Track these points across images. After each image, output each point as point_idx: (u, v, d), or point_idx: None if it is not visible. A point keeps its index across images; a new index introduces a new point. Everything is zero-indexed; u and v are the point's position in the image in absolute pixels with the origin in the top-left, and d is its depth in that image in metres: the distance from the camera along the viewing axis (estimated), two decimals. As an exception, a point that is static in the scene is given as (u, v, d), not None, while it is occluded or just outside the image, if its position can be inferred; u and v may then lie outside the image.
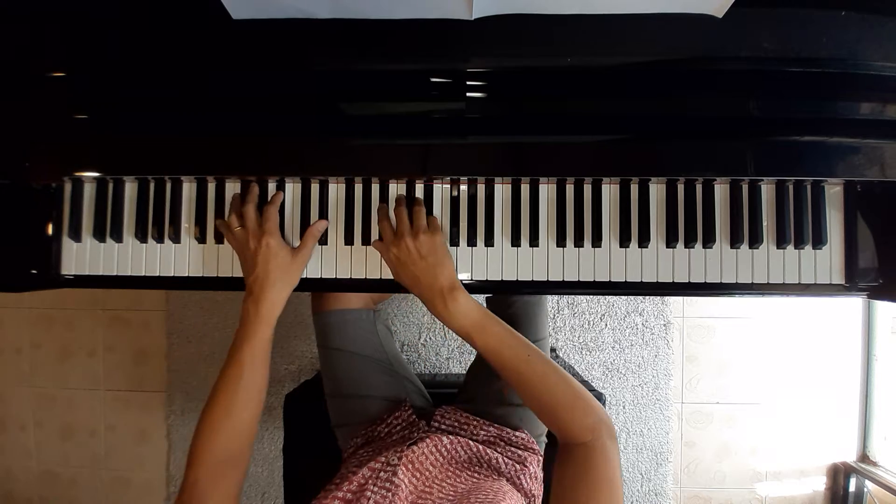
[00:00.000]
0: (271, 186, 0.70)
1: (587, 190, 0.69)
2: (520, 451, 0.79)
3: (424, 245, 0.63)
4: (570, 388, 0.60)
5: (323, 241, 0.70)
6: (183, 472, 0.61)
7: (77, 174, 0.67)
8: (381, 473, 0.64)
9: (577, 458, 0.57)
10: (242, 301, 0.64)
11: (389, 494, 0.60)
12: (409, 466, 0.67)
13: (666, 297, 1.51)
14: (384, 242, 0.66)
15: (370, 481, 0.62)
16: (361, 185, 0.70)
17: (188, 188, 0.71)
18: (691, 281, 0.68)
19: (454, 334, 1.52)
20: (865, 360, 1.53)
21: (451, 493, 0.66)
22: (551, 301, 1.51)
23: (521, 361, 0.61)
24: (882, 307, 1.50)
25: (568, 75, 0.61)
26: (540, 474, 0.80)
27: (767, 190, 0.68)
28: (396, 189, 0.70)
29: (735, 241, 0.67)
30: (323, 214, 0.70)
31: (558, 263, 0.69)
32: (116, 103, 0.64)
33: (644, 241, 0.68)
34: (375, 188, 0.70)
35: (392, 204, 0.70)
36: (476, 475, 0.71)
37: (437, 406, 0.85)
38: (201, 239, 0.70)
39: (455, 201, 0.69)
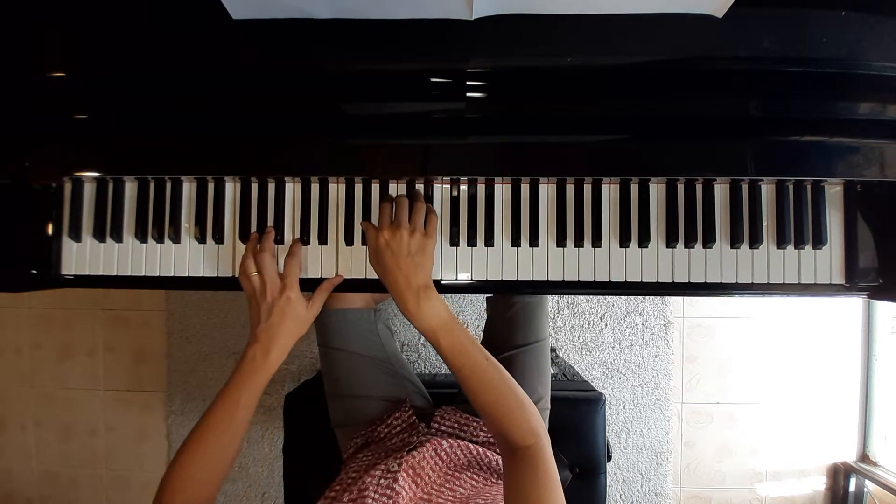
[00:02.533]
0: (271, 186, 0.70)
1: (587, 190, 0.69)
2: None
3: (417, 243, 0.63)
4: (518, 394, 0.63)
5: (323, 240, 0.70)
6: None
7: (77, 174, 0.67)
8: (382, 480, 0.64)
9: (526, 459, 0.60)
10: (247, 345, 0.64)
11: (390, 502, 0.61)
12: (410, 472, 0.67)
13: (666, 297, 1.51)
14: (378, 225, 0.65)
15: (371, 488, 0.62)
16: (361, 185, 0.70)
17: (188, 188, 0.71)
18: (691, 281, 0.68)
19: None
20: (865, 360, 1.53)
21: (451, 497, 0.66)
22: (551, 301, 1.51)
23: (479, 366, 0.63)
24: (882, 307, 1.50)
25: (568, 75, 0.61)
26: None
27: (767, 190, 0.68)
28: (397, 189, 0.70)
29: (735, 241, 0.67)
30: (323, 214, 0.70)
31: (558, 263, 0.69)
32: (116, 103, 0.64)
33: (644, 241, 0.68)
34: (375, 188, 0.70)
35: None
36: (476, 478, 0.71)
37: (437, 406, 0.85)
38: (201, 239, 0.70)
39: (455, 201, 0.69)
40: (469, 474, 0.73)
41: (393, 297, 0.64)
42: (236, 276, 0.70)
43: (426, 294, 0.63)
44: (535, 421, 0.62)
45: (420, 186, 0.70)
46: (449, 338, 0.63)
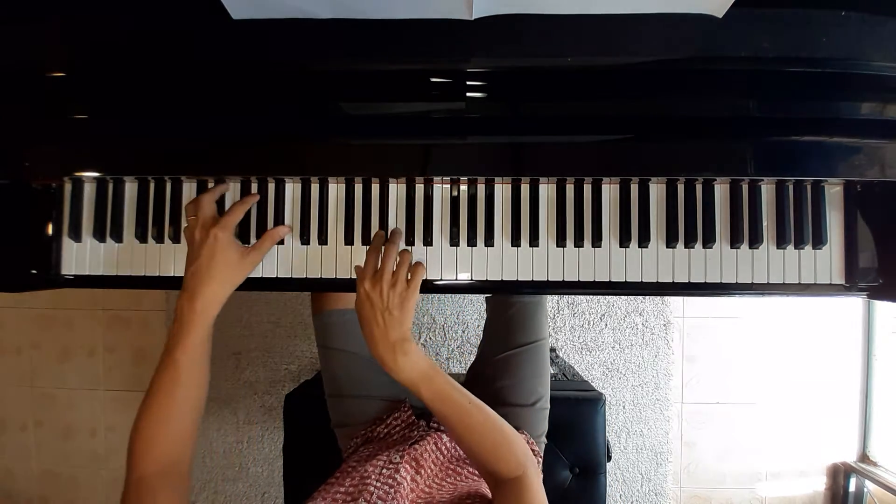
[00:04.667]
0: (271, 186, 0.70)
1: (587, 190, 0.69)
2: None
3: (396, 299, 0.62)
4: (504, 431, 0.63)
5: (323, 240, 0.70)
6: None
7: (77, 174, 0.67)
8: (384, 470, 0.64)
9: (513, 490, 0.59)
10: (178, 297, 0.61)
11: (392, 491, 0.61)
12: (412, 464, 0.67)
13: (666, 297, 1.51)
14: (363, 273, 0.64)
15: (373, 476, 0.63)
16: (361, 185, 0.70)
17: (188, 188, 0.71)
18: (691, 281, 0.68)
19: (454, 334, 1.51)
20: (865, 360, 1.53)
21: (452, 490, 0.66)
22: (551, 301, 1.51)
23: (463, 411, 0.62)
24: (882, 307, 1.50)
25: (568, 75, 0.61)
26: (539, 476, 0.80)
27: (767, 190, 0.68)
28: (397, 189, 0.70)
29: (735, 241, 0.67)
30: (323, 214, 0.70)
31: (558, 263, 0.69)
32: (116, 103, 0.64)
33: (644, 241, 0.68)
34: (375, 188, 0.70)
35: (392, 213, 0.69)
36: (476, 473, 0.72)
37: (436, 406, 0.85)
38: (201, 239, 0.70)
39: (455, 201, 0.69)
40: (470, 469, 0.73)
41: (369, 348, 0.63)
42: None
43: (403, 348, 0.61)
44: (521, 454, 0.62)
45: (420, 186, 0.70)
46: (429, 387, 0.62)
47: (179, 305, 0.60)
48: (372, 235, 0.69)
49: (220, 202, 0.69)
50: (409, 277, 0.64)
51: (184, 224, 0.70)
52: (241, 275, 0.64)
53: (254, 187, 0.70)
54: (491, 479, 0.63)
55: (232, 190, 0.71)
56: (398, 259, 0.65)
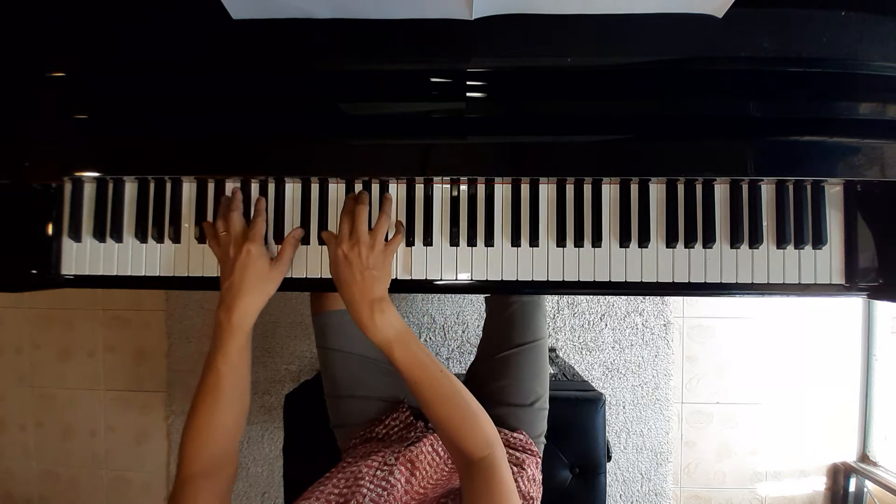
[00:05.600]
0: (271, 186, 0.70)
1: (587, 190, 0.69)
2: (518, 454, 0.79)
3: (376, 258, 0.63)
4: (471, 406, 0.63)
5: (322, 240, 0.70)
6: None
7: (77, 174, 0.67)
8: (378, 472, 0.64)
9: (482, 470, 0.60)
10: (216, 309, 0.64)
11: (385, 493, 0.61)
12: (407, 466, 0.67)
13: (666, 297, 1.51)
14: (340, 236, 0.65)
15: (367, 478, 0.63)
16: (361, 185, 0.70)
17: (188, 188, 0.71)
18: (691, 281, 0.68)
19: (454, 334, 1.51)
20: (865, 360, 1.53)
21: (446, 492, 0.66)
22: (551, 301, 1.51)
23: (434, 378, 0.63)
24: (882, 307, 1.50)
25: (568, 75, 0.61)
26: (538, 476, 0.80)
27: (767, 190, 0.68)
28: (397, 189, 0.70)
29: (735, 241, 0.67)
30: (323, 214, 0.70)
31: (558, 263, 0.69)
32: (116, 103, 0.64)
33: (644, 241, 0.68)
34: (375, 188, 0.70)
35: (392, 213, 0.69)
36: None
37: (436, 406, 0.85)
38: (201, 239, 0.70)
39: (455, 201, 0.69)
40: None
41: (347, 308, 0.64)
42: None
43: (380, 307, 0.62)
44: (489, 432, 0.62)
45: (420, 186, 0.70)
46: (403, 350, 0.62)
47: (217, 318, 0.63)
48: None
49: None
50: (389, 239, 0.66)
51: (184, 224, 0.70)
52: (273, 284, 0.66)
53: (254, 187, 0.70)
54: (460, 460, 0.62)
55: (232, 189, 0.71)
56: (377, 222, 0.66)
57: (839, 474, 1.52)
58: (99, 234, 0.70)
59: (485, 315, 0.97)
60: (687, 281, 0.68)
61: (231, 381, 0.62)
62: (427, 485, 0.68)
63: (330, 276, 0.70)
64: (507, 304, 0.89)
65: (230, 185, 0.71)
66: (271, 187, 0.70)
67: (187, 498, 0.57)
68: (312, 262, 0.70)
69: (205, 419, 0.61)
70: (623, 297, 1.51)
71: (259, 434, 1.54)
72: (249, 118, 0.64)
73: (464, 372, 1.05)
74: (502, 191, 0.69)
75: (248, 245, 0.63)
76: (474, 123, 0.62)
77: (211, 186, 0.71)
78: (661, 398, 1.51)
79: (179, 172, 0.68)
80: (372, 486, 0.61)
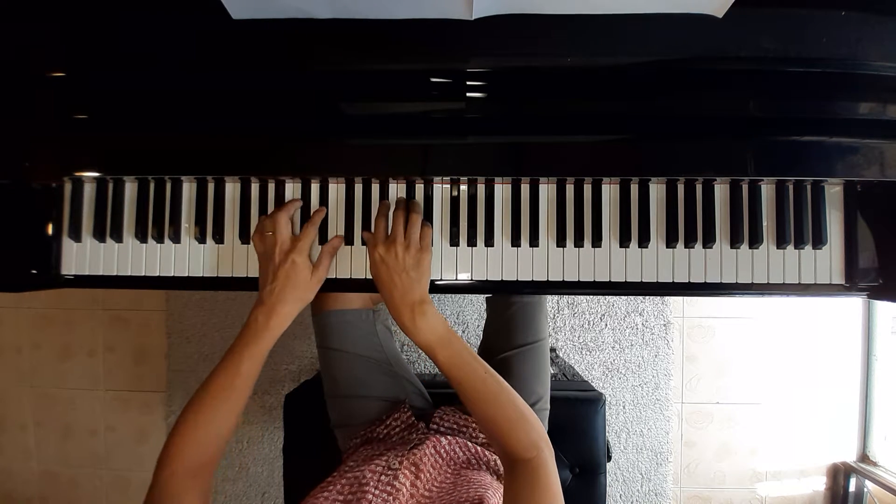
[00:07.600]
0: (271, 187, 0.70)
1: (587, 190, 0.69)
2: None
3: (412, 259, 0.64)
4: (518, 407, 0.63)
5: (322, 240, 0.70)
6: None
7: (77, 174, 0.67)
8: (383, 476, 0.64)
9: (526, 473, 0.59)
10: (253, 307, 0.64)
11: (390, 498, 0.60)
12: (412, 469, 0.67)
13: (666, 297, 1.51)
14: (375, 239, 0.66)
15: (371, 483, 0.62)
16: (361, 185, 0.70)
17: (188, 188, 0.71)
18: (691, 281, 0.68)
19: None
20: (865, 360, 1.53)
21: (451, 494, 0.66)
22: (551, 301, 1.51)
23: (478, 379, 0.63)
24: (882, 307, 1.50)
25: (568, 75, 0.61)
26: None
27: (767, 190, 0.68)
28: (396, 189, 0.70)
29: (735, 241, 0.67)
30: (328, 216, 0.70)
31: (558, 263, 0.69)
32: (116, 103, 0.64)
33: (644, 241, 0.68)
34: (375, 188, 0.70)
35: (394, 204, 0.69)
36: (476, 478, 0.71)
37: (436, 407, 0.85)
38: (201, 239, 0.70)
39: (455, 201, 0.69)
40: (468, 471, 0.73)
41: (389, 311, 0.64)
42: (236, 276, 0.70)
43: (421, 309, 0.63)
44: (535, 433, 0.62)
45: (420, 186, 0.70)
46: (446, 351, 0.63)
47: (254, 317, 0.63)
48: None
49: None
50: (421, 237, 0.66)
51: (184, 224, 0.70)
52: (312, 294, 0.67)
53: (255, 188, 0.70)
54: (505, 459, 0.62)
55: (232, 190, 0.71)
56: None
57: (839, 474, 1.52)
58: (99, 234, 0.70)
59: (485, 315, 0.97)
60: (687, 281, 0.68)
61: (247, 383, 0.62)
62: (432, 487, 0.68)
63: (330, 277, 0.70)
64: (508, 304, 0.89)
65: (230, 185, 0.71)
66: (271, 187, 0.70)
67: (172, 497, 0.55)
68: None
69: (208, 416, 0.60)
70: (623, 297, 1.51)
71: (259, 434, 1.54)
72: (249, 118, 0.64)
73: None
74: (502, 191, 0.69)
75: (293, 255, 0.64)
76: (474, 123, 0.62)
77: (211, 187, 0.70)
78: (661, 398, 1.51)
79: (179, 172, 0.68)
80: (377, 492, 0.61)
